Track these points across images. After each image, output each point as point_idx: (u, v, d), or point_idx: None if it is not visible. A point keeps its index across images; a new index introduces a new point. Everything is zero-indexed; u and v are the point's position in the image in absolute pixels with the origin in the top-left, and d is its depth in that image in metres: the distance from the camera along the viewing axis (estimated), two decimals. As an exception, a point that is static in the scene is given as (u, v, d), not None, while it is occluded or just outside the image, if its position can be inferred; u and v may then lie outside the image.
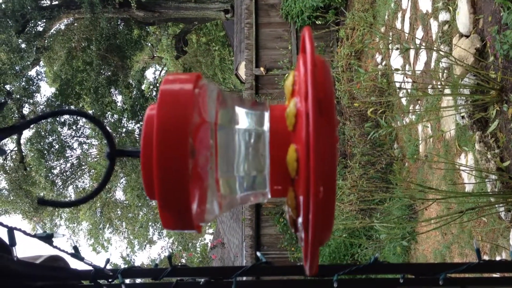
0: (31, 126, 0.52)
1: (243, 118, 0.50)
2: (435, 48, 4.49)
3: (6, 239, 0.98)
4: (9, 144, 16.02)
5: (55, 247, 1.01)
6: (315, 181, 0.40)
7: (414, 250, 5.67)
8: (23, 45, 14.21)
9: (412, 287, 1.29)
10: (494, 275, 1.29)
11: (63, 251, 1.07)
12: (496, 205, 3.49)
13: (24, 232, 0.88)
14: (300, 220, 0.47)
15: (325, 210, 0.42)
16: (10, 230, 0.84)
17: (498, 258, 3.73)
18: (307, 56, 0.43)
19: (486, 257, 3.89)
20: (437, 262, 4.81)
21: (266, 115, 0.50)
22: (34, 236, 0.93)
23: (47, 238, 0.93)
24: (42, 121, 13.17)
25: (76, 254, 1.11)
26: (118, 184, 16.61)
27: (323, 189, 0.41)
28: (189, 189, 0.45)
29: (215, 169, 0.48)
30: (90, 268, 1.20)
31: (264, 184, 0.50)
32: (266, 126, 0.49)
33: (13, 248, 0.87)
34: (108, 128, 0.51)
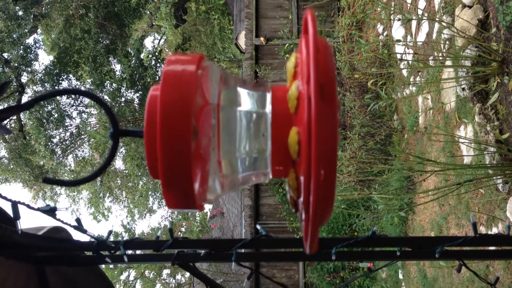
0: (34, 105, 0.52)
1: (245, 100, 0.51)
2: (437, 19, 4.44)
3: (10, 211, 0.99)
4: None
5: (58, 219, 1.02)
6: (316, 164, 0.41)
7: (412, 221, 5.74)
8: (20, 13, 14.04)
9: (409, 259, 1.31)
10: (490, 248, 1.32)
11: (66, 223, 1.09)
12: (494, 177, 3.52)
13: (28, 206, 0.89)
14: (301, 200, 0.48)
15: (325, 192, 0.43)
16: (14, 204, 0.85)
17: (494, 229, 3.78)
18: (310, 39, 0.43)
19: (482, 228, 3.94)
20: (434, 232, 4.87)
21: (268, 96, 0.50)
22: (38, 209, 0.94)
23: (50, 212, 0.95)
24: (41, 89, 13.08)
25: (79, 227, 1.12)
26: (118, 154, 16.65)
27: (324, 172, 0.42)
28: (192, 169, 0.46)
29: (217, 149, 0.49)
30: (93, 239, 1.22)
31: (265, 165, 0.51)
32: (268, 107, 0.49)
33: (17, 221, 0.88)
34: (111, 108, 0.52)
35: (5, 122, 0.56)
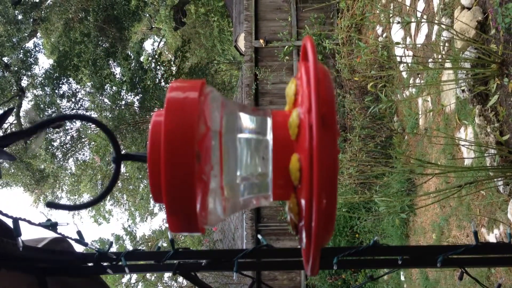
0: (38, 131, 0.52)
1: (247, 125, 0.51)
2: (436, 21, 4.45)
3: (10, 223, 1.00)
4: (7, 118, 15.98)
5: (60, 234, 1.02)
6: (318, 193, 0.42)
7: (413, 222, 5.74)
8: (19, 17, 14.05)
9: (411, 267, 1.31)
10: (492, 256, 1.32)
11: (67, 237, 1.09)
12: (495, 179, 3.52)
13: (29, 222, 0.90)
14: (301, 224, 0.48)
15: (327, 218, 0.44)
16: (15, 221, 0.86)
17: (495, 231, 3.78)
18: (310, 68, 0.43)
19: (483, 230, 3.94)
20: (435, 234, 4.87)
21: (269, 121, 0.51)
22: (39, 225, 0.95)
23: (52, 227, 0.95)
24: (41, 93, 13.08)
25: (80, 240, 1.13)
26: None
27: (325, 200, 0.43)
28: (195, 194, 0.47)
29: (219, 175, 0.49)
30: (94, 251, 1.22)
31: (266, 189, 0.51)
32: (269, 133, 0.50)
33: (19, 238, 0.89)
34: (113, 132, 0.52)
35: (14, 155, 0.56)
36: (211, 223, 0.51)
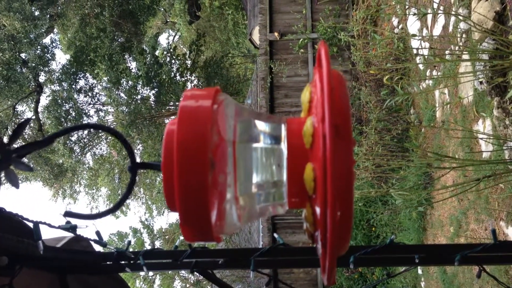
0: (54, 141, 0.53)
1: (261, 133, 0.51)
2: (453, 12, 4.38)
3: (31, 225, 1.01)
4: (27, 112, 16.22)
5: (79, 235, 1.04)
6: (333, 204, 0.41)
7: (430, 216, 5.70)
8: (36, 13, 14.18)
9: (428, 265, 1.30)
10: (510, 254, 1.30)
11: (86, 238, 1.11)
12: (514, 172, 3.47)
13: (49, 225, 0.91)
14: (317, 234, 0.48)
15: (342, 229, 0.44)
16: (36, 225, 0.87)
17: (514, 225, 3.74)
18: (324, 76, 0.43)
19: (502, 224, 3.90)
20: (453, 227, 4.83)
21: (283, 129, 0.50)
22: (59, 227, 0.96)
23: (71, 229, 0.96)
24: (59, 88, 13.21)
25: (99, 240, 1.14)
26: (135, 151, 16.76)
27: (340, 211, 0.42)
28: (209, 204, 0.47)
29: (234, 185, 0.49)
30: (113, 250, 1.24)
31: (282, 197, 0.51)
32: (284, 142, 0.50)
33: (39, 241, 0.90)
34: (128, 141, 0.52)
35: (31, 165, 0.57)
36: (227, 232, 0.51)
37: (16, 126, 0.51)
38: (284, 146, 0.50)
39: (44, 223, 0.89)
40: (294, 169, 0.49)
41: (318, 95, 0.45)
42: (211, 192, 0.47)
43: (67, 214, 0.52)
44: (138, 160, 0.55)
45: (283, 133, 0.50)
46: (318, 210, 0.46)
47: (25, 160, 0.52)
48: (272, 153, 0.50)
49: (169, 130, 0.50)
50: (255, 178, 0.50)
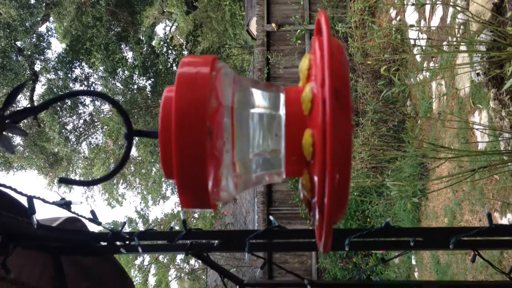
0: (48, 107, 0.52)
1: (259, 101, 0.51)
2: (451, 3, 4.37)
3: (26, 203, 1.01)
4: (22, 101, 16.15)
5: (74, 212, 1.03)
6: (331, 168, 0.41)
7: (425, 207, 5.72)
8: (32, 1, 14.08)
9: (423, 249, 1.31)
10: (505, 238, 1.31)
11: (81, 216, 1.10)
12: (509, 163, 3.48)
13: (43, 200, 0.91)
14: (314, 201, 0.48)
15: (340, 194, 0.43)
16: (30, 199, 0.87)
17: (508, 215, 3.76)
18: (324, 42, 0.43)
19: (496, 214, 3.92)
20: (447, 218, 4.85)
21: (282, 97, 0.50)
22: (53, 203, 0.96)
23: (65, 205, 0.96)
24: (54, 77, 13.15)
25: (94, 219, 1.14)
26: (132, 143, 16.65)
27: (339, 175, 0.42)
28: (206, 170, 0.46)
29: (231, 151, 0.49)
30: (108, 230, 1.24)
31: (279, 165, 0.51)
32: (282, 109, 0.49)
33: (33, 216, 0.90)
34: (124, 109, 0.52)
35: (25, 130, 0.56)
36: (223, 200, 0.51)
37: (10, 91, 0.51)
38: (282, 113, 0.49)
39: (38, 198, 0.88)
40: (293, 136, 0.48)
41: (318, 61, 0.44)
42: (208, 159, 0.46)
43: (62, 180, 0.52)
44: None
45: (282, 100, 0.50)
46: (316, 176, 0.45)
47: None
48: (270, 120, 0.50)
49: (166, 97, 0.50)
50: (253, 145, 0.50)
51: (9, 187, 0.78)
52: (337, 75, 0.42)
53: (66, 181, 0.52)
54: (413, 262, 6.26)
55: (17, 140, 15.62)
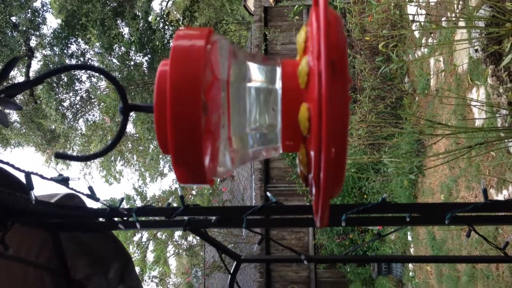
0: (43, 81, 0.52)
1: (255, 74, 0.50)
2: (451, -22, 4.32)
3: (24, 179, 1.01)
4: (18, 77, 16.03)
5: (72, 188, 1.03)
6: (327, 142, 0.41)
7: (421, 183, 5.75)
8: (26, -25, 13.88)
9: (419, 225, 1.32)
10: (500, 213, 1.32)
11: (79, 192, 1.10)
12: (506, 140, 3.49)
13: (41, 176, 0.91)
14: (311, 176, 0.48)
15: (336, 168, 0.43)
16: (28, 175, 0.87)
17: (504, 192, 3.78)
18: (320, 13, 0.42)
19: (492, 191, 3.94)
20: (443, 195, 4.88)
21: (278, 71, 0.50)
22: (51, 179, 0.95)
23: (63, 181, 0.96)
24: (50, 53, 13.03)
25: (92, 195, 1.14)
26: (129, 118, 16.61)
27: (335, 149, 0.42)
28: (202, 144, 0.46)
29: (227, 125, 0.48)
30: (106, 207, 1.24)
31: (276, 140, 0.51)
32: (278, 83, 0.49)
33: (31, 191, 0.90)
34: (120, 83, 0.51)
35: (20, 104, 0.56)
36: (219, 175, 0.51)
37: (4, 64, 0.50)
38: (278, 87, 0.49)
39: (36, 174, 0.88)
40: (289, 110, 0.48)
41: (314, 32, 0.43)
42: (204, 133, 0.46)
43: (59, 155, 0.51)
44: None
45: (278, 74, 0.49)
46: (312, 151, 0.45)
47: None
48: (267, 94, 0.50)
49: (161, 71, 0.49)
50: (249, 119, 0.50)
51: (7, 163, 0.78)
52: (333, 46, 0.42)
53: (62, 156, 0.52)
54: (409, 238, 6.32)
55: (14, 116, 15.57)
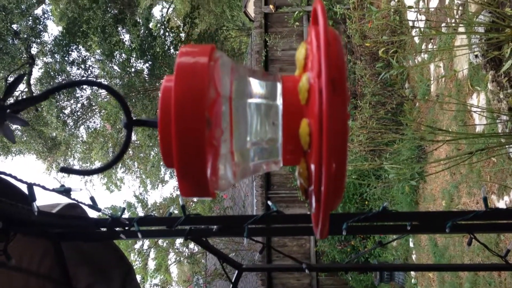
0: (48, 97, 0.53)
1: (256, 90, 0.51)
2: (450, -15, 4.34)
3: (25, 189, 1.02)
4: (20, 84, 16.05)
5: (73, 199, 1.04)
6: (328, 157, 0.42)
7: (423, 190, 5.75)
8: (27, -17, 13.94)
9: (420, 233, 1.32)
10: (501, 222, 1.32)
11: (81, 202, 1.11)
12: (507, 146, 3.49)
13: (43, 187, 0.91)
14: (311, 188, 0.48)
15: (336, 183, 0.44)
16: (30, 186, 0.87)
17: (506, 198, 3.78)
18: (320, 32, 0.43)
19: (493, 197, 3.94)
20: (445, 201, 4.88)
21: (279, 86, 0.51)
22: (53, 190, 0.96)
23: (65, 192, 0.97)
24: (51, 60, 13.06)
25: (93, 205, 1.15)
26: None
27: (335, 164, 0.43)
28: (206, 159, 0.47)
29: (229, 140, 0.49)
30: (107, 216, 1.25)
31: (276, 154, 0.52)
32: (279, 98, 0.50)
33: (33, 203, 0.90)
34: (124, 98, 0.52)
35: (26, 120, 0.57)
36: (221, 188, 0.52)
37: (10, 82, 0.51)
38: (279, 102, 0.50)
39: (38, 185, 0.89)
40: (290, 125, 0.49)
41: (314, 51, 0.44)
42: (207, 149, 0.47)
43: (64, 169, 0.52)
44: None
45: (279, 90, 0.50)
46: (312, 165, 0.46)
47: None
48: (268, 109, 0.50)
49: (165, 87, 0.50)
50: (251, 134, 0.50)
51: (9, 175, 0.79)
52: (333, 65, 0.43)
53: (67, 171, 0.52)
54: (411, 244, 6.31)
55: (15, 125, 15.57)
